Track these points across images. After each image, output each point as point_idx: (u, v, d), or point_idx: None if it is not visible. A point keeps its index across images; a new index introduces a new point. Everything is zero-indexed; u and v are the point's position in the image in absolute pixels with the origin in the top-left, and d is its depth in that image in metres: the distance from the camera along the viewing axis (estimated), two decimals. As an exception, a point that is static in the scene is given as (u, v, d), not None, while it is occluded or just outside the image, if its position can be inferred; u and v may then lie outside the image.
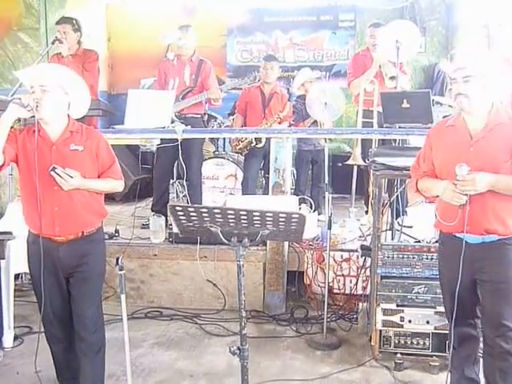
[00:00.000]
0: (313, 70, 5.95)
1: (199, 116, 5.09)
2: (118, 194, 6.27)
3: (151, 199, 5.35)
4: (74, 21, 4.90)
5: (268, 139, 4.68)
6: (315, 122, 5.22)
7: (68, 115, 2.77)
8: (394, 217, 4.23)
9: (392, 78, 4.77)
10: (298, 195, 5.00)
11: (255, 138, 5.11)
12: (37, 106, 2.57)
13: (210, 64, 5.11)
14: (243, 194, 5.27)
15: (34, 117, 2.62)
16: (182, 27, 5.02)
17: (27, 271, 4.08)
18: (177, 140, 4.36)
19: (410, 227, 4.47)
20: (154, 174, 5.18)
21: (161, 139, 4.56)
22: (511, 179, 2.54)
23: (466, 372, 2.79)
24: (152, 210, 4.97)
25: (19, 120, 2.93)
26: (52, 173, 2.60)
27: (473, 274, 2.67)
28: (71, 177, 2.61)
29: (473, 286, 2.69)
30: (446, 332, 3.22)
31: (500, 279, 2.62)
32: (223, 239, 2.19)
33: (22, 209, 2.80)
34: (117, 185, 2.87)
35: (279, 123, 5.18)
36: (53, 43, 4.76)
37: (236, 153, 5.78)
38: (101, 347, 2.85)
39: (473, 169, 2.49)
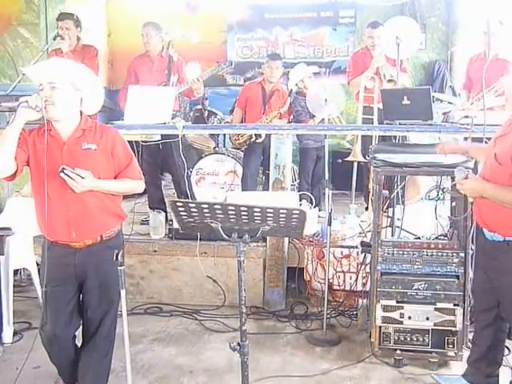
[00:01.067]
0: (308, 65, 5.90)
1: (175, 112, 4.92)
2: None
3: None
4: (75, 16, 4.90)
5: (268, 135, 4.67)
6: (323, 120, 5.19)
7: (81, 112, 2.63)
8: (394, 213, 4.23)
9: (390, 81, 4.75)
10: (301, 191, 5.00)
11: (255, 133, 5.10)
12: (46, 106, 2.43)
13: (182, 59, 5.10)
14: (243, 190, 5.27)
15: (43, 117, 2.47)
16: (147, 23, 5.00)
17: (26, 267, 4.14)
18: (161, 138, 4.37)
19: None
20: (143, 173, 5.11)
21: (161, 135, 4.55)
22: (501, 191, 2.55)
23: None
24: (150, 208, 4.97)
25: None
26: (61, 174, 2.43)
27: (487, 271, 2.71)
28: (82, 177, 2.45)
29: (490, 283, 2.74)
30: (446, 328, 3.24)
31: (502, 288, 2.68)
32: (224, 235, 2.19)
33: (36, 215, 2.65)
34: (136, 185, 2.71)
35: (279, 118, 5.18)
36: (54, 39, 4.75)
37: (236, 149, 5.77)
38: (110, 350, 2.80)
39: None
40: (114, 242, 2.66)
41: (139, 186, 2.74)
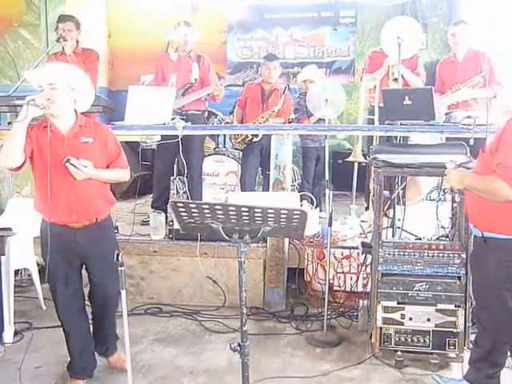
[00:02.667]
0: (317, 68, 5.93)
1: (200, 112, 5.09)
2: (118, 191, 6.27)
3: (151, 196, 5.34)
4: (75, 19, 4.92)
5: (265, 134, 4.67)
6: (320, 119, 5.19)
7: (75, 110, 2.95)
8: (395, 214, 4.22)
9: (395, 79, 4.75)
10: (303, 191, 5.00)
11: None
12: (48, 104, 2.74)
13: (209, 59, 5.08)
14: (242, 190, 5.27)
15: (44, 114, 2.80)
16: (186, 23, 4.96)
17: (27, 267, 4.15)
18: (177, 136, 4.34)
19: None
20: (155, 171, 5.14)
21: (161, 136, 4.55)
22: (474, 179, 2.62)
23: None
24: (152, 207, 4.97)
25: None
26: (67, 164, 2.77)
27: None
28: (85, 166, 2.79)
29: None
30: (447, 330, 3.23)
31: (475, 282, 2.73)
32: (224, 236, 2.18)
33: (34, 201, 2.98)
34: (124, 174, 3.09)
35: (276, 117, 5.17)
36: (57, 41, 4.76)
37: (236, 149, 5.77)
38: (115, 306, 3.17)
39: None
40: (106, 223, 3.08)
41: (127, 174, 3.11)
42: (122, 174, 3.07)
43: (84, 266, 3.08)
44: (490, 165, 2.56)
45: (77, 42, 4.91)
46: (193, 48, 5.02)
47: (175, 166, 5.53)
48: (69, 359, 3.14)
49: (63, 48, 4.81)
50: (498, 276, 2.63)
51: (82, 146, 2.88)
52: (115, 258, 2.52)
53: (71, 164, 2.77)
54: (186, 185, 4.98)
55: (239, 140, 5.27)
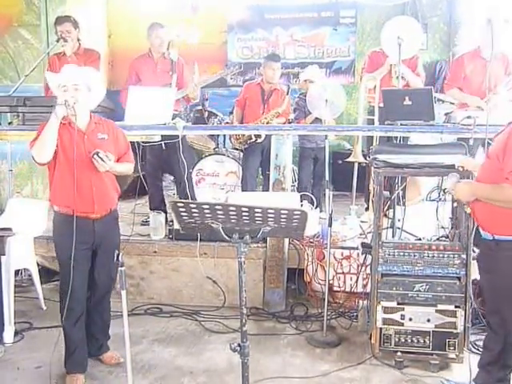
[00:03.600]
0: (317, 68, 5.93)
1: (178, 113, 4.98)
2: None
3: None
4: (72, 18, 4.90)
5: (268, 135, 4.66)
6: (317, 119, 5.20)
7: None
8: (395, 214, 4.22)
9: (398, 77, 4.74)
10: (300, 192, 4.99)
11: (255, 134, 5.10)
12: (74, 103, 2.96)
13: (183, 61, 5.08)
14: (242, 191, 5.26)
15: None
16: (158, 24, 4.96)
17: (27, 267, 4.15)
18: (163, 138, 4.38)
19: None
20: (146, 174, 5.12)
21: (161, 136, 4.54)
22: (486, 189, 2.61)
23: None
24: (150, 209, 4.96)
25: None
26: (95, 156, 2.98)
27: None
28: (109, 160, 3.03)
29: None
30: (447, 330, 3.23)
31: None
32: (224, 236, 2.19)
33: (52, 195, 3.15)
34: (131, 167, 3.36)
35: (277, 117, 5.17)
36: (57, 41, 4.75)
37: (236, 149, 5.77)
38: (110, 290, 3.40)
39: None
40: (116, 214, 3.34)
41: (132, 167, 3.38)
42: (129, 167, 3.33)
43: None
44: (497, 171, 2.54)
45: (78, 41, 4.90)
46: (164, 49, 4.99)
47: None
48: None
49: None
50: (510, 278, 2.62)
51: (100, 141, 3.11)
52: (115, 258, 2.52)
53: (99, 157, 2.98)
54: (175, 187, 4.97)
55: (241, 141, 5.26)
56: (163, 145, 4.48)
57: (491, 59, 3.90)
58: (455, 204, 3.55)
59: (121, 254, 2.56)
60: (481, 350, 3.42)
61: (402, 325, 3.28)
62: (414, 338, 3.28)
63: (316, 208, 5.08)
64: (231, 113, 6.33)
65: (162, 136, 4.42)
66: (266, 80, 5.33)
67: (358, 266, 4.12)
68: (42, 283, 4.24)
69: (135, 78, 5.03)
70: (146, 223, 4.88)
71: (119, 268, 2.53)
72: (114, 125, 3.32)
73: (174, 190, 5.97)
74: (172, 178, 5.92)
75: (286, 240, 4.27)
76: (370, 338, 3.46)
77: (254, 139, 5.14)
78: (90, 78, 3.14)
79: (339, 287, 4.20)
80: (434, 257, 3.25)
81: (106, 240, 3.20)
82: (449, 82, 4.75)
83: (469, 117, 3.77)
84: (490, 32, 4.13)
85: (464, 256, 3.22)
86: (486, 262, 2.79)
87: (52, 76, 3.23)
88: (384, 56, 4.89)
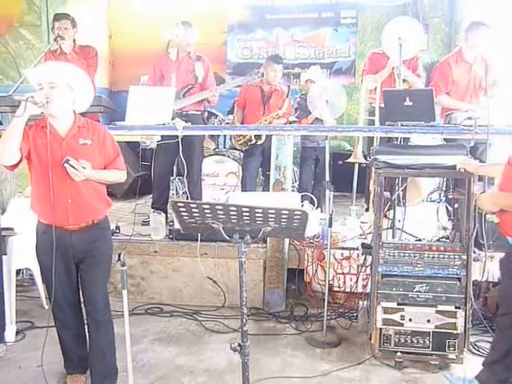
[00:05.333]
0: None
1: (199, 113, 5.09)
2: (119, 191, 6.28)
3: (151, 196, 5.34)
4: (71, 17, 4.91)
5: (268, 136, 4.67)
6: (317, 119, 5.20)
7: (73, 111, 2.89)
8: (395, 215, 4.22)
9: (404, 80, 4.75)
10: (301, 192, 5.00)
11: (255, 136, 5.10)
12: (47, 102, 2.66)
13: (208, 61, 5.09)
14: (242, 191, 5.26)
15: (43, 113, 2.72)
16: (187, 23, 4.94)
17: (28, 267, 4.15)
18: (177, 136, 4.35)
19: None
20: (155, 171, 5.10)
21: (161, 136, 4.55)
22: (510, 198, 2.61)
23: None
24: (152, 208, 4.97)
25: None
26: (66, 165, 2.71)
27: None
28: (83, 168, 2.74)
29: None
30: (447, 331, 3.23)
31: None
32: (225, 236, 2.19)
33: (31, 202, 2.90)
34: (121, 175, 3.03)
35: (277, 119, 5.18)
36: (55, 40, 4.76)
37: (235, 149, 5.77)
38: (110, 323, 3.04)
39: None
40: (103, 224, 2.98)
41: (124, 175, 3.05)
42: (119, 175, 3.01)
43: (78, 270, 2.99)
44: None
45: (74, 40, 4.91)
46: (192, 48, 5.01)
47: (174, 166, 5.52)
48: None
49: (61, 47, 4.81)
50: None
51: (81, 147, 2.82)
52: (117, 258, 2.52)
53: (70, 165, 2.70)
54: (186, 185, 4.98)
55: (242, 142, 5.26)
56: (179, 142, 4.39)
57: (490, 62, 3.95)
58: (455, 205, 3.56)
59: (122, 253, 2.56)
60: (481, 350, 3.46)
61: (402, 325, 3.29)
62: (413, 339, 3.28)
63: (317, 208, 5.08)
64: (229, 112, 6.35)
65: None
66: (267, 81, 5.33)
67: (358, 266, 4.13)
68: (43, 282, 4.24)
69: (159, 75, 5.03)
70: (146, 223, 4.89)
71: (121, 268, 2.53)
72: (102, 129, 2.99)
73: (173, 190, 5.97)
74: (178, 177, 5.94)
75: (287, 240, 4.28)
76: (370, 339, 3.46)
77: (254, 141, 5.14)
78: (71, 76, 2.83)
79: (339, 287, 4.20)
80: (434, 257, 3.25)
81: (89, 254, 2.90)
82: (437, 86, 4.55)
83: (469, 118, 3.77)
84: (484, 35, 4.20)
85: (464, 257, 3.22)
86: (507, 266, 2.79)
87: (30, 73, 2.96)
88: (384, 57, 4.89)
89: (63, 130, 2.81)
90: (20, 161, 2.77)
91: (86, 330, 3.04)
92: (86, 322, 3.04)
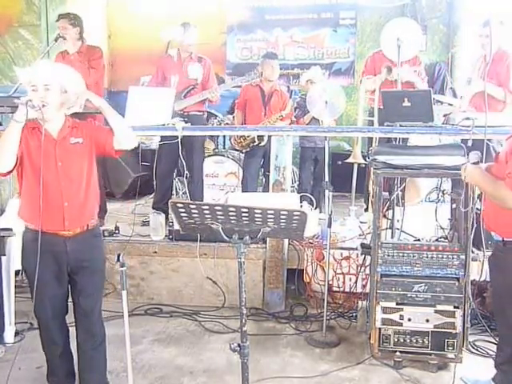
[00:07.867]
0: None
1: (201, 113, 5.10)
2: (119, 192, 6.28)
3: (151, 196, 5.34)
4: (71, 15, 4.87)
5: (269, 138, 4.67)
6: (314, 118, 5.21)
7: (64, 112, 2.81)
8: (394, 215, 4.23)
9: (407, 82, 4.76)
10: (300, 193, 5.01)
11: (257, 137, 5.11)
12: (43, 106, 2.58)
13: (210, 62, 5.09)
14: (243, 192, 5.27)
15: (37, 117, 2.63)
16: (188, 24, 4.96)
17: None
18: (178, 137, 4.35)
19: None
20: (157, 172, 5.09)
21: (161, 136, 4.55)
22: (487, 180, 2.63)
23: None
24: (153, 208, 4.97)
25: None
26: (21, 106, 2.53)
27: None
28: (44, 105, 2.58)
29: None
30: (446, 330, 3.24)
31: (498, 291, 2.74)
32: (224, 236, 2.19)
33: (19, 208, 2.82)
34: (122, 121, 2.89)
35: (281, 120, 5.19)
36: (56, 40, 4.75)
37: (235, 150, 5.77)
38: (105, 336, 2.95)
39: None
40: (96, 231, 2.90)
41: (133, 134, 2.92)
42: (126, 124, 2.91)
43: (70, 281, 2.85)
44: (502, 172, 2.58)
45: (81, 39, 4.88)
46: (194, 49, 5.02)
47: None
48: None
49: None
50: None
51: (73, 147, 2.73)
52: (116, 258, 2.52)
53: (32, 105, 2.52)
54: (186, 186, 4.98)
55: (243, 144, 5.27)
56: (180, 141, 4.40)
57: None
58: (454, 205, 3.57)
59: (122, 254, 2.56)
60: (480, 350, 3.47)
61: (401, 325, 3.29)
62: (412, 338, 3.29)
63: (316, 209, 5.09)
64: (229, 112, 6.35)
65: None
66: (266, 78, 5.33)
67: (357, 266, 4.14)
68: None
69: (161, 76, 5.04)
70: (146, 223, 4.89)
71: (120, 268, 2.53)
72: (88, 124, 2.91)
73: (173, 190, 5.97)
74: (178, 177, 5.93)
75: (286, 241, 4.28)
76: (369, 338, 3.47)
77: (256, 143, 5.14)
78: (66, 78, 2.74)
79: (338, 288, 4.21)
80: (433, 257, 3.26)
81: (84, 263, 2.77)
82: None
83: (467, 118, 3.78)
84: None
85: (463, 257, 3.23)
86: (494, 263, 2.85)
87: (22, 72, 2.90)
88: (383, 59, 4.90)
89: (55, 132, 2.72)
90: (15, 166, 2.66)
91: (75, 344, 2.92)
92: (76, 335, 2.90)
